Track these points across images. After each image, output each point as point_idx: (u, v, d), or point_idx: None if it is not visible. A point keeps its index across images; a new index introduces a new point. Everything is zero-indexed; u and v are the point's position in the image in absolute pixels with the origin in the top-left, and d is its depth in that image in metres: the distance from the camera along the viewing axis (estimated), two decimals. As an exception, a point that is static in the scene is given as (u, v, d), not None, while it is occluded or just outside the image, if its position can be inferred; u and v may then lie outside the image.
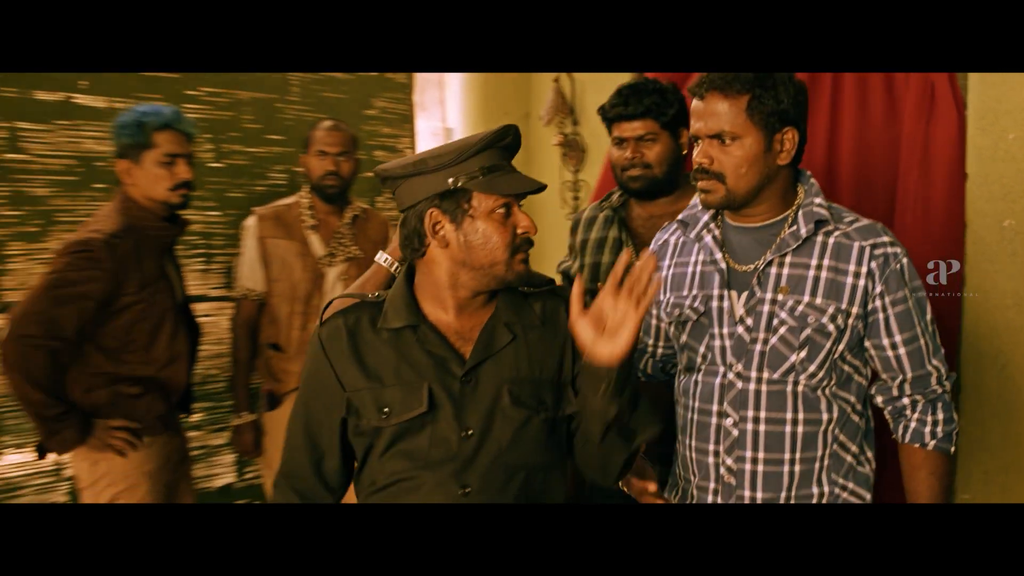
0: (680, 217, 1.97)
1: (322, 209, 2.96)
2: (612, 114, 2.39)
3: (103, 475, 2.38)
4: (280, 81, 3.50)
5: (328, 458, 1.68)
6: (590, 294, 2.28)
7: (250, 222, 2.96)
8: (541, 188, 1.60)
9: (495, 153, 1.59)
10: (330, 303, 1.72)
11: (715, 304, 1.83)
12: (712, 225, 1.88)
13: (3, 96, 2.92)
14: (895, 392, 1.82)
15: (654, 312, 2.00)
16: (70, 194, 3.05)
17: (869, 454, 1.87)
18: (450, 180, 1.56)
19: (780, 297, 1.76)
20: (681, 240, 1.96)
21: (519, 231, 1.60)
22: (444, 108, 4.08)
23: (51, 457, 2.56)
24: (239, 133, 3.41)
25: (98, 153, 3.06)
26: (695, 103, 1.78)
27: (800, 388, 1.77)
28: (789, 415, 1.78)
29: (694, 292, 1.87)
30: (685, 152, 2.41)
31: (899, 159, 2.53)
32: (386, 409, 1.60)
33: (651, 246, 2.04)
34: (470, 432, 1.60)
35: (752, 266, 1.81)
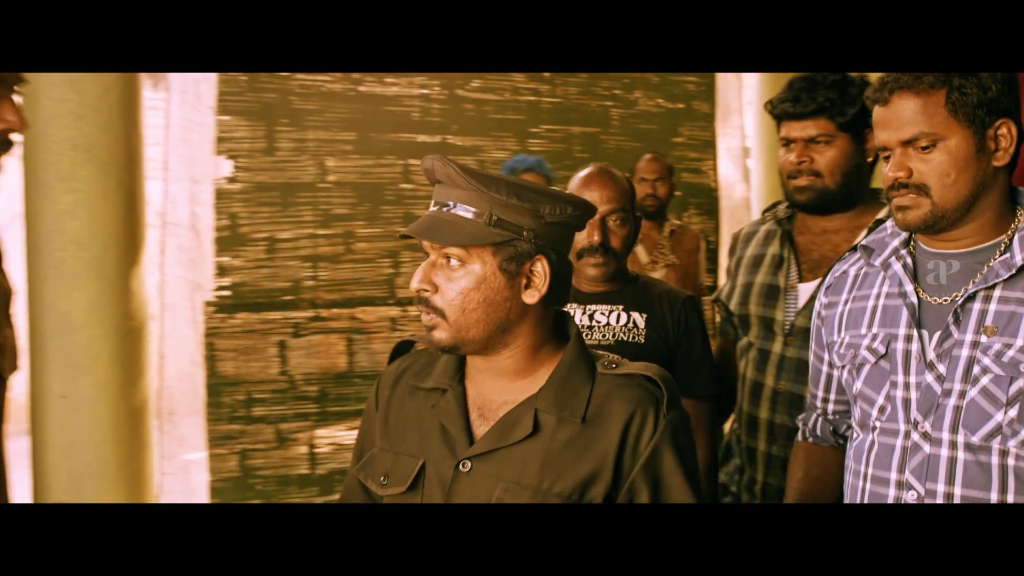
0: (864, 242, 1.62)
1: (644, 224, 3.56)
2: (779, 111, 2.01)
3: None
4: (603, 116, 4.15)
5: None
6: (729, 322, 2.26)
7: None
8: (423, 235, 1.30)
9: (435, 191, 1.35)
10: (398, 346, 1.54)
11: (900, 345, 1.49)
12: (903, 252, 1.55)
13: (398, 140, 3.79)
14: None
15: (824, 357, 1.69)
16: (444, 214, 3.87)
17: None
18: None
19: (984, 339, 1.40)
20: (864, 271, 1.62)
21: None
22: (743, 133, 4.56)
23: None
24: (570, 161, 4.09)
25: (465, 181, 3.86)
26: (877, 111, 1.48)
27: (1010, 460, 1.38)
28: (995, 495, 1.38)
29: (874, 330, 1.54)
30: (871, 159, 2.03)
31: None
32: (383, 479, 1.40)
33: (827, 279, 1.70)
34: None
35: (949, 299, 1.47)
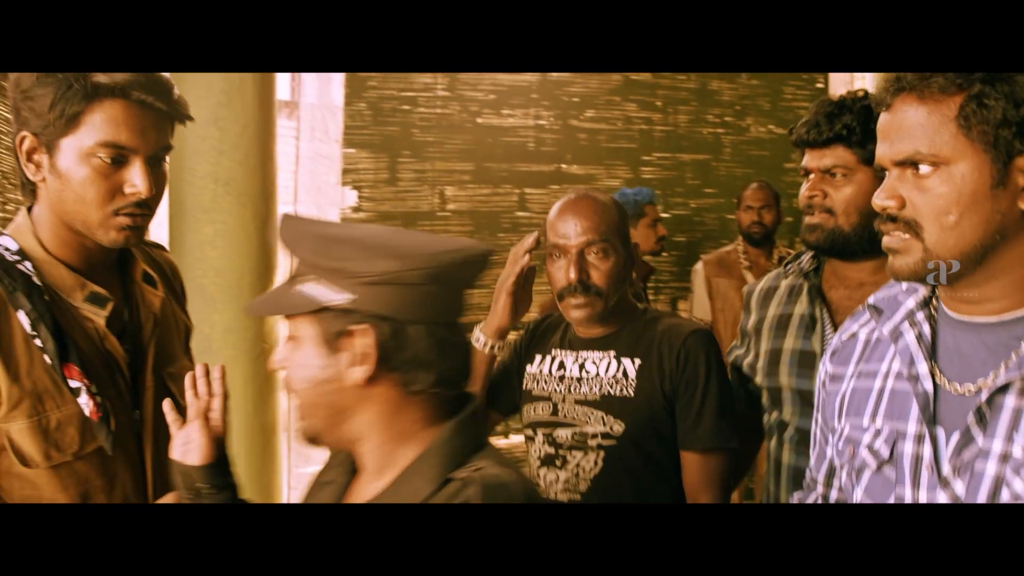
0: (872, 300, 1.23)
1: (753, 252, 3.58)
2: (795, 137, 1.75)
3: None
4: (715, 143, 4.19)
5: None
6: (743, 387, 1.89)
7: (699, 267, 3.69)
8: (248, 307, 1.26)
9: None
10: None
11: (908, 448, 1.11)
12: (920, 316, 1.15)
13: (514, 169, 3.91)
14: None
15: (831, 438, 1.29)
16: (558, 241, 3.97)
17: None
18: None
19: (1020, 452, 1.01)
20: (875, 335, 1.23)
21: None
22: (858, 157, 4.52)
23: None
24: (682, 188, 4.15)
25: (578, 209, 3.96)
26: (881, 120, 1.11)
27: None
28: None
29: (877, 423, 1.16)
30: None
31: None
32: None
33: (833, 340, 1.32)
34: None
35: (975, 388, 1.06)
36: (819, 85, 4.32)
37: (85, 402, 1.27)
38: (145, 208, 1.32)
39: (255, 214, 3.40)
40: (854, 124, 1.65)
